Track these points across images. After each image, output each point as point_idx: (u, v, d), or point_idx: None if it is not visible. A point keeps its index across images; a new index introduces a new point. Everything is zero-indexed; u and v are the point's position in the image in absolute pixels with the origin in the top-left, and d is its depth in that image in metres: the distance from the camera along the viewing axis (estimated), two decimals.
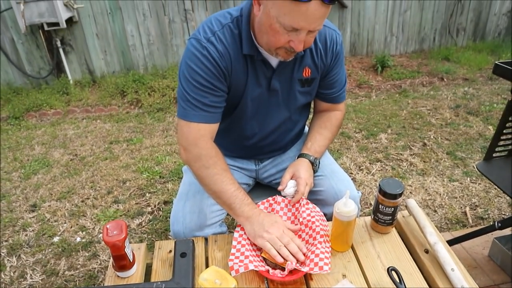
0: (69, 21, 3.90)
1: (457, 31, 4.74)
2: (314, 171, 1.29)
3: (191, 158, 1.16)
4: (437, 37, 4.72)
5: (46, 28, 3.82)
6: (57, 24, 3.73)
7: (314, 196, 1.32)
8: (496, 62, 1.32)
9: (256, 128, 1.31)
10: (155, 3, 4.03)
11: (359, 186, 2.36)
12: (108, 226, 0.97)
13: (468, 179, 2.39)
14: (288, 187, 1.21)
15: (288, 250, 1.01)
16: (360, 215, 1.38)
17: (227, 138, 1.35)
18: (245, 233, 1.11)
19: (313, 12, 0.93)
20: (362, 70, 4.20)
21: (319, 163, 1.31)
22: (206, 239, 1.18)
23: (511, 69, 1.26)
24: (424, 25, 4.59)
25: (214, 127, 1.18)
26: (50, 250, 2.02)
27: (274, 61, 1.18)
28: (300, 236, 1.12)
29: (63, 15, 3.68)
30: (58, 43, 4.01)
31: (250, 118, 1.27)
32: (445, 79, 4.02)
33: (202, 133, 1.15)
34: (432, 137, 2.88)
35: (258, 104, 1.24)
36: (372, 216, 1.13)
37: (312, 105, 1.44)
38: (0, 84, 4.14)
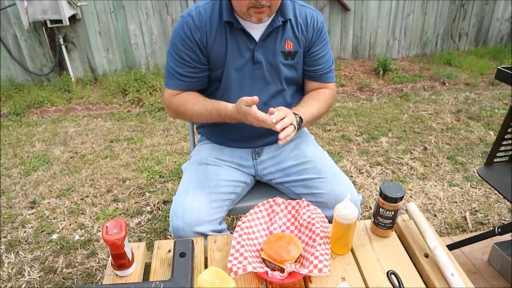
0: (72, 18, 3.91)
1: (459, 36, 4.74)
2: (297, 128, 1.23)
3: (172, 114, 1.40)
4: (439, 42, 4.72)
5: (49, 25, 3.82)
6: (60, 21, 3.74)
7: (315, 199, 1.32)
8: (499, 67, 1.32)
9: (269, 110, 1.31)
10: (158, 3, 4.03)
11: (359, 189, 2.35)
12: (107, 225, 0.96)
13: (469, 184, 2.39)
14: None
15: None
16: (360, 218, 1.38)
17: None
18: (245, 233, 1.11)
19: None
20: (364, 73, 4.20)
21: (301, 122, 1.27)
22: (205, 239, 1.18)
23: None
24: (426, 29, 4.59)
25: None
26: (48, 247, 2.01)
27: (256, 34, 1.28)
28: (300, 238, 1.12)
29: (67, 12, 3.68)
30: (61, 41, 4.01)
31: (238, 91, 1.31)
32: (446, 84, 4.02)
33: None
34: (433, 141, 2.88)
35: (243, 75, 1.31)
36: (372, 219, 1.13)
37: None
38: (1, 80, 4.15)
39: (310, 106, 1.35)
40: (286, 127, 1.13)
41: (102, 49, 4.18)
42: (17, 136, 3.30)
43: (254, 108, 1.14)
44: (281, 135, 1.11)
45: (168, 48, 1.32)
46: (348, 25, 4.39)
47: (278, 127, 1.10)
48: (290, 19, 1.29)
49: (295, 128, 1.18)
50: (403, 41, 4.61)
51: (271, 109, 1.16)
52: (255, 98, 1.13)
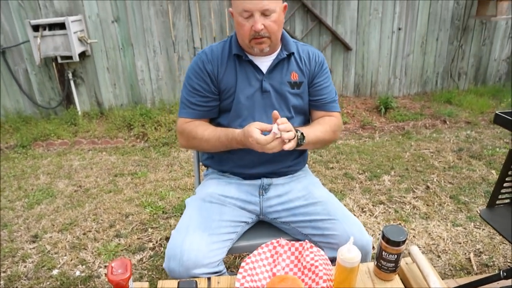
0: (82, 54, 4.03)
1: (458, 75, 4.85)
2: (297, 144, 1.30)
3: (183, 141, 1.48)
4: (439, 80, 4.82)
5: (59, 61, 3.94)
6: (70, 57, 3.85)
7: (326, 240, 1.34)
8: (496, 112, 1.35)
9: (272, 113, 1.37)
10: (165, 41, 4.17)
11: None
12: (113, 265, 0.97)
13: (472, 224, 2.38)
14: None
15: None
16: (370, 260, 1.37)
17: None
18: (248, 274, 1.11)
19: None
20: (366, 111, 4.27)
21: (303, 138, 1.33)
22: (209, 279, 1.18)
23: (511, 119, 1.29)
24: (426, 68, 4.70)
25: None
26: (48, 283, 2.00)
27: (263, 66, 1.41)
28: (303, 280, 1.12)
29: (77, 49, 3.81)
30: (70, 75, 4.12)
31: (248, 117, 1.41)
32: (447, 122, 4.07)
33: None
34: (435, 180, 2.89)
35: (253, 102, 1.41)
36: (375, 262, 1.14)
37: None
38: (9, 112, 4.23)
39: (315, 128, 1.44)
40: (288, 133, 1.22)
41: (110, 84, 4.28)
42: (22, 169, 3.34)
43: (257, 132, 1.23)
44: (283, 136, 1.21)
45: (183, 83, 1.47)
46: (350, 63, 4.50)
47: (277, 132, 1.20)
48: (293, 53, 1.44)
49: (295, 136, 1.26)
50: (404, 79, 4.71)
51: (274, 112, 1.24)
52: (274, 116, 1.23)
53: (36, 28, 3.73)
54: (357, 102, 4.46)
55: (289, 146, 1.23)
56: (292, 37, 4.13)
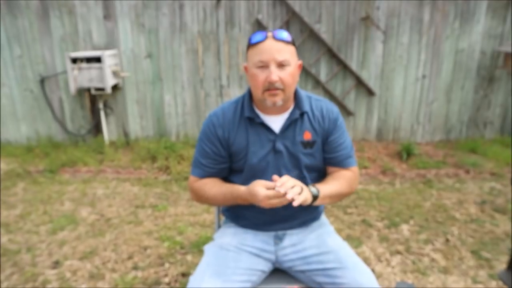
0: (114, 87, 4.23)
1: (484, 125, 4.81)
2: (312, 200, 1.33)
3: (193, 197, 1.54)
4: (464, 129, 4.79)
5: (92, 92, 4.14)
6: (103, 89, 4.05)
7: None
8: None
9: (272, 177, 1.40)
10: (194, 77, 4.34)
11: (377, 278, 2.31)
12: None
13: (494, 283, 2.31)
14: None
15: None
16: None
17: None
18: None
19: (270, 47, 1.30)
20: (388, 156, 4.27)
21: (318, 193, 1.35)
22: None
23: None
24: (450, 116, 4.69)
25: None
26: None
27: (276, 126, 1.43)
28: None
29: (110, 81, 4.01)
30: (101, 106, 4.31)
31: (262, 178, 1.39)
32: (471, 172, 4.02)
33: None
34: (455, 232, 2.84)
35: (266, 163, 1.43)
36: None
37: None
38: (41, 138, 4.42)
39: (330, 183, 1.45)
40: (293, 189, 1.23)
41: (137, 115, 4.45)
42: (48, 193, 3.46)
43: (263, 189, 1.26)
44: (288, 196, 1.22)
45: (197, 140, 1.52)
46: (373, 108, 4.55)
47: (281, 190, 1.22)
48: (307, 112, 1.45)
49: (302, 189, 1.27)
50: (427, 126, 4.71)
51: (274, 176, 1.29)
52: (274, 180, 1.27)
53: (74, 60, 3.96)
54: (378, 147, 4.46)
55: (298, 201, 1.23)
56: (317, 81, 4.27)
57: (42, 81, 4.27)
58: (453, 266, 2.45)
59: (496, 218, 3.07)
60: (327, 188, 1.40)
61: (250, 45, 1.35)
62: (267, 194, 1.25)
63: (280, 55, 1.30)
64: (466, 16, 4.29)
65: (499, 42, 4.41)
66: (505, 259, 2.53)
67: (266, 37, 1.32)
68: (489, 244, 2.70)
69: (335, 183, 1.45)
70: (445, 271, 2.40)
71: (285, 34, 1.33)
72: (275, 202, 1.26)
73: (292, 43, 1.36)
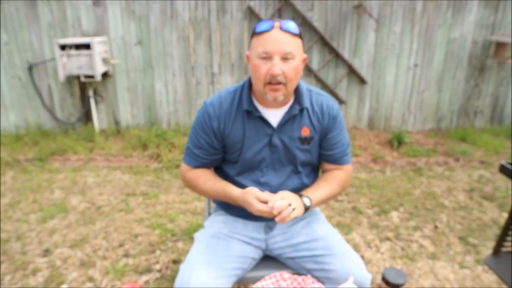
0: (104, 74, 4.18)
1: (474, 114, 4.85)
2: (305, 209, 1.34)
3: (185, 185, 1.53)
4: (454, 118, 4.82)
5: (82, 79, 4.09)
6: (93, 76, 4.00)
7: (325, 274, 1.36)
8: (502, 163, 1.38)
9: (263, 182, 1.43)
10: (185, 65, 4.30)
11: (367, 264, 2.34)
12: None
13: (480, 267, 2.35)
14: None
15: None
16: None
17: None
18: None
19: (275, 37, 1.24)
20: (379, 144, 4.29)
21: (311, 204, 1.35)
22: None
23: None
24: (441, 105, 4.72)
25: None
26: None
27: (274, 121, 1.39)
28: None
29: (100, 69, 3.95)
30: (91, 93, 4.26)
31: (256, 171, 1.42)
32: (460, 160, 4.06)
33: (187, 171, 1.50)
34: (444, 219, 2.88)
35: (261, 157, 1.41)
36: None
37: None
38: (30, 126, 4.37)
39: (321, 187, 1.44)
40: (283, 210, 1.23)
41: (128, 103, 4.41)
42: (38, 182, 3.43)
43: (256, 202, 1.26)
44: (276, 219, 1.23)
45: (191, 127, 1.48)
46: (365, 97, 4.55)
47: (274, 212, 1.22)
48: (307, 107, 1.41)
49: (294, 209, 1.26)
50: (418, 115, 4.73)
51: (266, 194, 1.28)
52: (268, 199, 1.26)
53: (63, 47, 3.90)
54: (370, 135, 4.48)
55: (295, 214, 1.25)
56: (309, 69, 4.25)
57: (30, 69, 4.20)
58: (441, 252, 2.48)
59: (484, 206, 3.12)
60: (318, 193, 1.40)
61: (255, 33, 1.27)
62: (259, 209, 1.25)
63: (285, 47, 1.23)
64: (459, 5, 4.29)
65: (491, 32, 4.42)
66: (491, 245, 2.58)
67: (272, 27, 1.25)
68: (476, 230, 2.75)
69: (327, 187, 1.45)
70: (433, 256, 2.44)
71: (292, 26, 1.26)
72: (265, 215, 1.26)
73: (299, 35, 1.30)
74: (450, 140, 4.52)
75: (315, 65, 4.36)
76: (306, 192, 1.40)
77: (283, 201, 1.23)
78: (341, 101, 4.49)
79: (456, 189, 3.42)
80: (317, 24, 4.21)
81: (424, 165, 3.95)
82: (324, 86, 4.39)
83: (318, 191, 1.41)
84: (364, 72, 4.44)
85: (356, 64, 4.40)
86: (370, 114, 4.64)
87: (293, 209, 1.25)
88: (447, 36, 4.40)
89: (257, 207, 1.25)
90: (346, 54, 4.35)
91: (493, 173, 3.82)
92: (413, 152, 4.14)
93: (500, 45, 4.32)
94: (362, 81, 4.45)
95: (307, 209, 1.33)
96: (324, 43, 4.27)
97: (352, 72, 4.40)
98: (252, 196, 1.27)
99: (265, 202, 1.25)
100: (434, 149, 4.26)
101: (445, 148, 4.30)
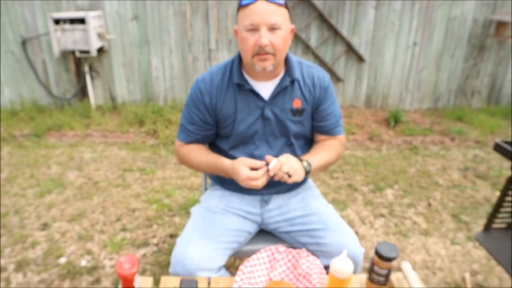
0: (99, 49, 4.13)
1: (472, 93, 4.84)
2: (305, 174, 1.35)
3: (179, 161, 1.55)
4: (452, 97, 4.82)
5: (77, 54, 4.04)
6: (88, 51, 3.95)
7: (320, 248, 1.39)
8: (497, 141, 1.39)
9: (257, 155, 1.44)
10: (181, 41, 4.25)
11: (361, 239, 2.39)
12: (121, 260, 1.04)
13: (471, 244, 2.40)
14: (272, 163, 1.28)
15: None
16: (361, 271, 1.43)
17: None
18: (246, 277, 1.17)
19: (261, 9, 1.22)
20: (375, 122, 4.30)
21: (310, 167, 1.37)
22: (209, 281, 1.24)
23: (510, 150, 1.33)
24: (439, 84, 4.71)
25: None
26: (55, 270, 2.08)
27: (265, 93, 1.39)
28: (297, 287, 1.17)
29: (95, 44, 3.90)
30: (86, 69, 4.22)
31: (250, 144, 1.44)
32: (456, 140, 4.08)
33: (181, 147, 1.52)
34: (438, 197, 2.92)
35: (254, 131, 1.42)
36: (368, 275, 1.18)
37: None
38: (25, 101, 4.34)
39: (319, 153, 1.46)
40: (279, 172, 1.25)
41: (124, 79, 4.37)
42: (35, 157, 3.43)
43: (245, 169, 1.27)
44: (273, 176, 1.27)
45: (184, 104, 1.50)
46: (363, 74, 4.53)
47: (270, 173, 1.26)
48: (298, 79, 1.41)
49: (295, 171, 1.28)
50: (416, 94, 4.73)
51: (267, 156, 1.30)
52: (267, 160, 1.28)
53: (57, 21, 3.84)
54: (367, 114, 4.49)
55: (294, 179, 1.26)
56: (307, 46, 4.22)
57: (24, 43, 4.14)
58: (434, 229, 2.53)
59: (477, 184, 3.16)
60: (317, 159, 1.41)
61: (240, 6, 1.27)
62: (249, 175, 1.26)
63: (271, 17, 1.22)
64: None
65: (492, 11, 4.38)
66: (482, 222, 2.61)
67: None
68: (469, 208, 2.79)
69: (325, 154, 1.46)
70: (426, 233, 2.48)
71: None
72: (255, 184, 1.27)
73: (285, 6, 1.28)
74: (446, 119, 4.53)
75: (313, 42, 4.32)
76: (305, 157, 1.41)
77: (276, 163, 1.25)
78: (338, 79, 4.47)
79: (451, 168, 3.45)
80: (316, 0, 4.15)
81: (420, 144, 3.98)
82: (322, 63, 4.36)
83: (317, 156, 1.43)
84: (362, 49, 4.41)
85: (355, 42, 4.37)
86: (367, 93, 4.63)
87: (289, 176, 1.26)
88: (448, 14, 4.35)
89: (244, 174, 1.26)
90: (344, 32, 4.31)
91: (488, 152, 3.85)
92: (409, 131, 4.15)
93: (501, 24, 4.29)
94: (360, 59, 4.42)
95: (307, 173, 1.35)
96: (323, 20, 4.22)
97: (350, 49, 4.37)
98: (242, 164, 1.29)
99: (257, 169, 1.27)
100: (431, 128, 4.27)
101: (441, 127, 4.32)
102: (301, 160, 1.36)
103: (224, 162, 1.39)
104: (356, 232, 2.45)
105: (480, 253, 2.32)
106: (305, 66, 1.45)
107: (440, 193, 2.99)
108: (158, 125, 3.95)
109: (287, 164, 1.26)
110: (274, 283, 1.15)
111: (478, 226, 2.57)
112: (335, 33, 4.28)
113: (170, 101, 4.45)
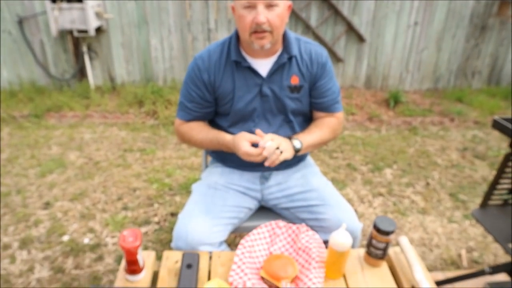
0: (98, 29, 4.09)
1: (472, 74, 4.83)
2: (296, 152, 1.37)
3: (179, 139, 1.56)
4: (452, 78, 4.81)
5: (75, 34, 4.00)
6: (86, 31, 3.91)
7: (319, 223, 1.41)
8: (495, 118, 1.40)
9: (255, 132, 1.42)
10: (180, 21, 4.20)
11: (360, 217, 2.42)
12: (125, 233, 1.06)
13: (468, 222, 2.44)
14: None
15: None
16: (359, 246, 1.46)
17: None
18: (247, 251, 1.19)
19: None
20: (375, 103, 4.30)
21: (301, 146, 1.38)
22: (210, 255, 1.27)
23: (509, 127, 1.34)
24: (440, 65, 4.69)
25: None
26: (59, 248, 2.11)
27: (263, 70, 1.39)
28: (297, 260, 1.20)
29: (93, 23, 3.86)
30: (85, 49, 4.18)
31: (248, 121, 1.44)
32: (455, 120, 4.09)
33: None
34: (436, 177, 2.95)
35: (252, 107, 1.43)
36: (366, 249, 1.21)
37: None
38: (24, 82, 4.32)
39: (313, 132, 1.46)
40: (271, 154, 1.26)
41: (123, 60, 4.35)
42: (35, 138, 3.44)
43: (246, 144, 1.28)
44: (266, 163, 1.27)
45: (182, 82, 1.50)
46: (363, 55, 4.51)
47: (265, 153, 1.25)
48: (295, 56, 1.40)
49: (283, 150, 1.29)
50: (416, 74, 4.71)
51: (257, 130, 1.31)
52: (258, 134, 1.30)
53: (54, 0, 3.79)
54: (367, 94, 4.48)
55: (284, 156, 1.27)
56: (307, 26, 4.18)
57: (21, 22, 4.10)
58: (431, 208, 2.56)
59: (475, 164, 3.18)
60: (309, 137, 1.42)
61: None
62: (247, 151, 1.27)
63: None
64: None
65: None
66: (479, 201, 2.65)
67: None
68: (466, 187, 2.82)
69: (318, 132, 1.46)
70: (424, 211, 2.52)
71: None
72: (254, 159, 1.28)
73: None
74: (446, 100, 4.53)
75: (313, 22, 4.28)
76: (297, 135, 1.43)
77: (273, 143, 1.25)
78: (339, 59, 4.44)
79: (450, 148, 3.47)
80: None
81: (419, 124, 3.99)
82: (322, 43, 4.32)
83: (310, 135, 1.44)
84: (363, 29, 4.37)
85: (355, 21, 4.32)
86: (367, 73, 4.61)
87: (281, 152, 1.28)
88: None
89: (244, 149, 1.27)
90: (345, 11, 4.26)
91: (487, 133, 3.87)
92: (409, 111, 4.16)
93: (503, 3, 4.25)
94: (360, 39, 4.38)
95: (297, 151, 1.36)
96: None
97: (351, 29, 4.33)
98: (243, 138, 1.30)
99: (257, 145, 1.28)
100: (430, 109, 4.28)
101: (441, 108, 4.32)
102: (291, 139, 1.37)
103: (226, 137, 1.40)
104: (355, 211, 2.48)
105: (476, 231, 2.36)
106: (302, 43, 1.44)
107: (438, 172, 3.01)
108: (157, 105, 3.94)
109: (276, 141, 1.28)
110: (274, 256, 1.18)
111: (475, 205, 2.60)
112: (336, 12, 4.24)
113: (169, 82, 4.44)
